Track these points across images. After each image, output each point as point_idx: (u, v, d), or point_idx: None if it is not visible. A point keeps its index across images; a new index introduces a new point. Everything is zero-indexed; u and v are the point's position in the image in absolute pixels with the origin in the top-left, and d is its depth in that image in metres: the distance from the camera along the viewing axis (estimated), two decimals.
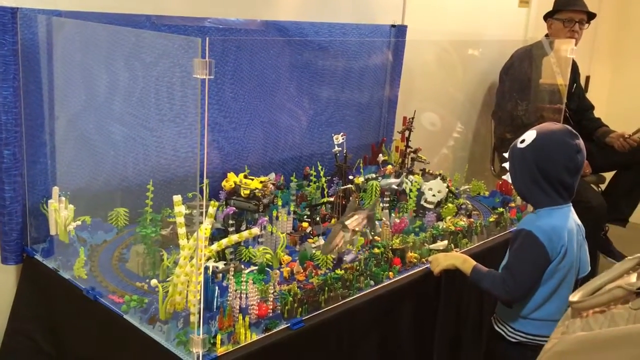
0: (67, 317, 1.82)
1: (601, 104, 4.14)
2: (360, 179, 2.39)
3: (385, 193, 2.34)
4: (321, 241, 1.98)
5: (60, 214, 1.87)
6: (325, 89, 2.69)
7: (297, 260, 1.86)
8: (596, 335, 0.92)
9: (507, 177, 1.81)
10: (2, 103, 1.78)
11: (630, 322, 0.91)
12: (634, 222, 3.80)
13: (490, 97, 3.65)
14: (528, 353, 1.69)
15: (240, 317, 1.49)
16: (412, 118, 2.70)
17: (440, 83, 3.38)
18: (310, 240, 2.02)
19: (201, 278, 1.42)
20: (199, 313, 1.39)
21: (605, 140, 3.47)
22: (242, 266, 1.82)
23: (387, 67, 2.96)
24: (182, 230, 1.51)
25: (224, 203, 2.09)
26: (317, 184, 2.40)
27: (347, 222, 1.83)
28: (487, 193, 2.73)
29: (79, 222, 1.90)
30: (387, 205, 2.32)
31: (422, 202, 2.36)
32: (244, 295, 1.55)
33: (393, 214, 2.29)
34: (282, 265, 1.85)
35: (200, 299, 1.41)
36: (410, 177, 2.47)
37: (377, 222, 2.15)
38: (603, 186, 3.79)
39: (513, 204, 2.55)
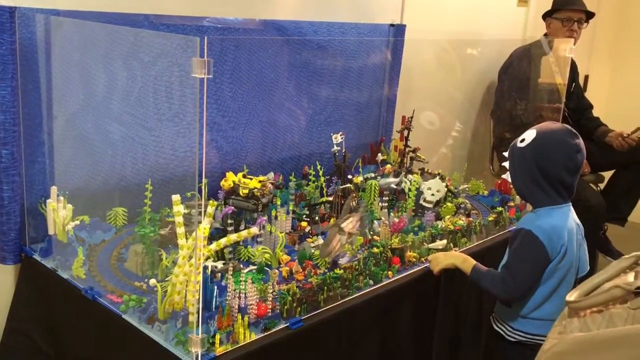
0: (66, 316, 1.82)
1: (600, 103, 4.14)
2: (359, 179, 2.38)
3: (384, 192, 2.34)
4: (320, 241, 1.98)
5: (59, 213, 1.87)
6: (324, 89, 2.69)
7: (296, 260, 1.85)
8: (594, 336, 0.92)
9: (507, 176, 1.81)
10: (0, 102, 1.77)
11: (629, 322, 0.91)
12: (633, 221, 3.80)
13: (489, 96, 3.65)
14: (527, 352, 1.69)
15: (239, 316, 1.49)
16: (411, 117, 2.70)
17: (439, 82, 3.38)
18: (309, 240, 2.01)
19: (200, 278, 1.42)
20: (198, 313, 1.39)
21: (604, 140, 3.47)
22: (241, 266, 1.81)
23: (386, 67, 2.96)
24: (180, 230, 1.51)
25: (222, 202, 2.09)
26: (316, 183, 2.40)
27: (342, 225, 1.82)
28: (486, 192, 2.73)
29: (77, 222, 1.90)
30: (386, 204, 2.32)
31: (421, 202, 2.35)
32: (243, 295, 1.55)
33: (392, 214, 2.29)
34: (281, 265, 1.85)
35: (199, 298, 1.40)
36: (409, 176, 2.47)
37: (375, 222, 2.15)
38: (602, 185, 3.79)
39: (512, 203, 2.55)
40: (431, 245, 2.07)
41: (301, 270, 1.80)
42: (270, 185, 2.14)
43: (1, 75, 1.76)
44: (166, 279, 1.62)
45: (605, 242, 3.64)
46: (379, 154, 2.78)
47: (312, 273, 1.76)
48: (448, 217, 2.29)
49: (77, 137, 2.02)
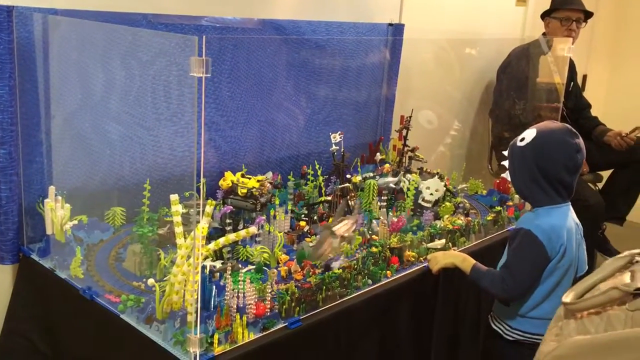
0: (64, 317, 1.81)
1: (598, 103, 4.14)
2: (357, 178, 2.38)
3: (383, 192, 2.34)
4: None
5: (57, 213, 1.86)
6: (323, 88, 2.69)
7: (295, 260, 1.85)
8: (593, 340, 0.91)
9: (507, 175, 1.81)
10: None
11: (628, 324, 0.90)
12: (631, 220, 3.81)
13: (488, 95, 3.65)
14: (525, 352, 1.69)
15: (238, 316, 1.49)
16: (410, 117, 2.70)
17: (438, 82, 3.38)
18: (307, 239, 2.01)
19: (198, 277, 1.41)
20: (196, 312, 1.39)
21: (603, 139, 3.47)
22: (240, 265, 1.81)
23: (385, 66, 2.96)
24: (179, 230, 1.51)
25: (221, 202, 2.09)
26: (314, 182, 2.40)
27: (335, 228, 1.80)
28: (484, 192, 2.73)
29: (75, 222, 1.90)
30: (385, 204, 2.31)
31: (420, 201, 2.35)
32: (242, 295, 1.54)
33: (391, 213, 2.29)
34: (280, 265, 1.85)
35: (197, 298, 1.40)
36: (408, 175, 2.47)
37: (374, 221, 2.15)
38: (600, 185, 3.79)
39: (511, 203, 2.55)
40: (430, 245, 2.07)
41: (300, 269, 1.79)
42: (268, 184, 2.14)
43: None
44: (164, 279, 1.62)
45: (603, 242, 3.64)
46: (378, 154, 2.77)
47: (310, 273, 1.76)
48: (447, 216, 2.29)
49: (75, 137, 2.02)
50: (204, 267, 1.61)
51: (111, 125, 2.04)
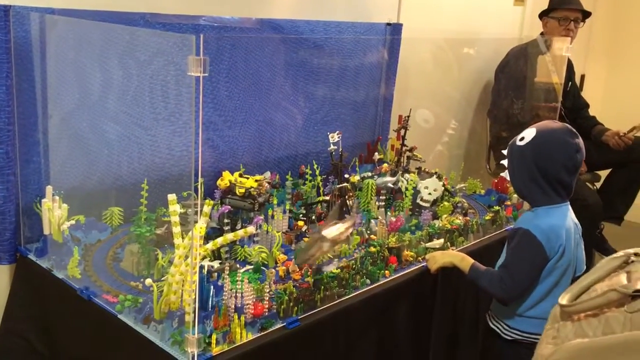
0: (61, 317, 1.81)
1: (596, 103, 4.15)
2: (356, 178, 2.38)
3: (381, 192, 2.34)
4: None
5: (54, 213, 1.86)
6: (321, 88, 2.68)
7: (293, 259, 1.85)
8: (592, 344, 0.90)
9: (506, 174, 1.81)
10: None
11: (627, 326, 0.89)
12: (629, 220, 3.81)
13: (486, 95, 3.65)
14: (523, 351, 1.69)
15: (236, 316, 1.48)
16: (408, 116, 2.70)
17: (436, 81, 3.38)
18: (305, 239, 2.01)
19: (196, 277, 1.41)
20: (194, 312, 1.38)
21: (601, 139, 3.48)
22: (238, 265, 1.81)
23: (383, 66, 2.95)
24: (177, 229, 1.50)
25: (219, 202, 2.08)
26: (312, 182, 2.40)
27: (325, 232, 1.71)
28: (482, 191, 2.73)
29: (72, 222, 1.89)
30: (383, 203, 2.31)
31: (418, 201, 2.35)
32: (240, 295, 1.54)
33: (389, 213, 2.29)
34: (278, 264, 1.84)
35: (195, 298, 1.40)
36: (406, 175, 2.47)
37: (372, 221, 2.15)
38: (598, 184, 3.80)
39: (509, 202, 2.55)
40: (428, 245, 2.07)
41: (298, 269, 1.79)
42: (266, 184, 2.13)
43: None
44: (162, 279, 1.62)
45: (601, 241, 3.65)
46: (376, 153, 2.77)
47: (308, 272, 1.76)
48: (445, 216, 2.29)
49: (73, 136, 2.01)
50: (201, 267, 1.61)
51: (109, 124, 2.03)
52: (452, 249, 2.09)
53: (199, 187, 1.41)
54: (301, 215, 2.17)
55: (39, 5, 1.82)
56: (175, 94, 1.96)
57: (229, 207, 1.96)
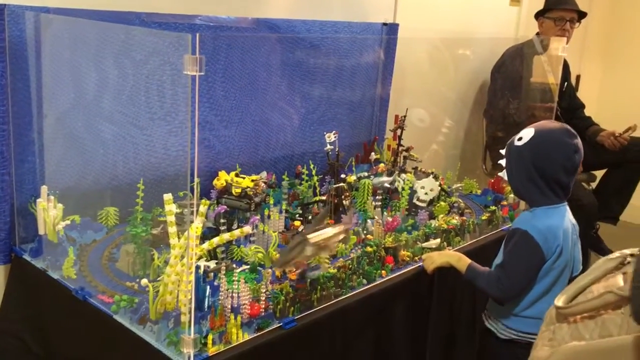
0: (56, 317, 1.80)
1: (592, 103, 4.16)
2: (352, 178, 2.38)
3: (378, 192, 2.33)
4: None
5: (49, 213, 1.85)
6: (317, 87, 2.68)
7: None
8: (589, 346, 0.90)
9: (503, 174, 1.80)
10: None
11: (624, 328, 0.89)
12: (625, 220, 3.82)
13: (482, 95, 3.66)
14: (519, 351, 1.69)
15: (232, 316, 1.48)
16: (404, 116, 2.70)
17: (432, 81, 3.38)
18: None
19: (192, 277, 1.41)
20: (190, 313, 1.38)
21: (596, 139, 3.49)
22: (234, 265, 1.80)
23: (379, 65, 2.95)
24: (172, 229, 1.50)
25: (215, 202, 2.08)
26: (309, 182, 2.39)
27: (310, 236, 1.62)
28: (479, 191, 2.73)
29: (68, 222, 1.88)
30: (380, 203, 2.31)
31: (415, 201, 2.35)
32: (236, 295, 1.53)
33: (385, 213, 2.28)
34: (274, 265, 1.84)
35: (191, 298, 1.39)
36: (403, 175, 2.47)
37: (369, 221, 2.15)
38: (594, 184, 3.81)
39: (505, 202, 2.55)
40: (425, 244, 2.07)
41: (294, 269, 1.78)
42: (263, 184, 2.13)
43: None
44: (158, 279, 1.61)
45: (597, 241, 3.65)
46: (372, 153, 2.77)
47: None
48: (441, 216, 2.29)
49: (68, 136, 2.00)
50: (197, 267, 1.60)
51: (104, 124, 2.02)
52: (449, 249, 2.09)
53: (195, 187, 1.41)
54: (297, 215, 2.16)
55: (34, 4, 1.82)
56: (171, 93, 1.96)
57: (225, 207, 1.96)
